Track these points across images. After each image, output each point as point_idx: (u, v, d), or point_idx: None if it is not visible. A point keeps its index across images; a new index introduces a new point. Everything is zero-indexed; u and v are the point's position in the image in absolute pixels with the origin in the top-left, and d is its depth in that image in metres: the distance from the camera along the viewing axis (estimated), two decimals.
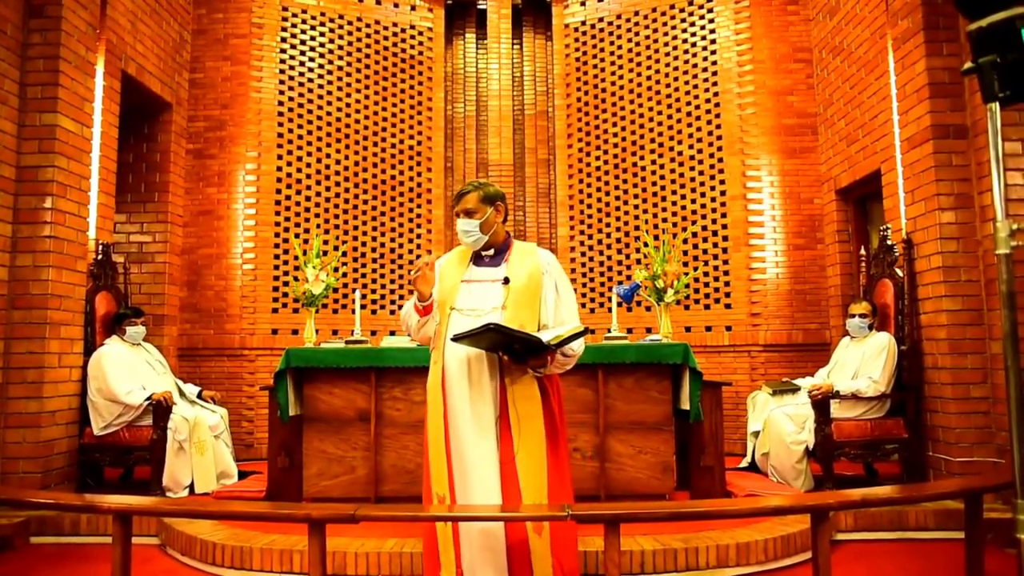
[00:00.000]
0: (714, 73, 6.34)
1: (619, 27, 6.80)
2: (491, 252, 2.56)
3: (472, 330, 2.26)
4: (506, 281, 2.46)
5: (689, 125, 6.42)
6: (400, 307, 6.64)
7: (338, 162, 6.57)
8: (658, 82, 6.59)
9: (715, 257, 6.21)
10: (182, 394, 4.67)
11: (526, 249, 2.58)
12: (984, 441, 4.01)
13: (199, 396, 4.77)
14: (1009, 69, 1.64)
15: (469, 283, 2.51)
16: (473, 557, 2.34)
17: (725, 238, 6.18)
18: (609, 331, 4.49)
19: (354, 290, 6.06)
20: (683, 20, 6.52)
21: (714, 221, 6.24)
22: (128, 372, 4.38)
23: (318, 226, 6.23)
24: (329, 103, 6.58)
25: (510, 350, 2.32)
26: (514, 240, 2.63)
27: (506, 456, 2.35)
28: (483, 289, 2.48)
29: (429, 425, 2.48)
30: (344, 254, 6.29)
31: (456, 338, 2.29)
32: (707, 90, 6.36)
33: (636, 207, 6.58)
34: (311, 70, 6.54)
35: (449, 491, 2.39)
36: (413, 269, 2.45)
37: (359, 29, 6.75)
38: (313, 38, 6.57)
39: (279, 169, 6.32)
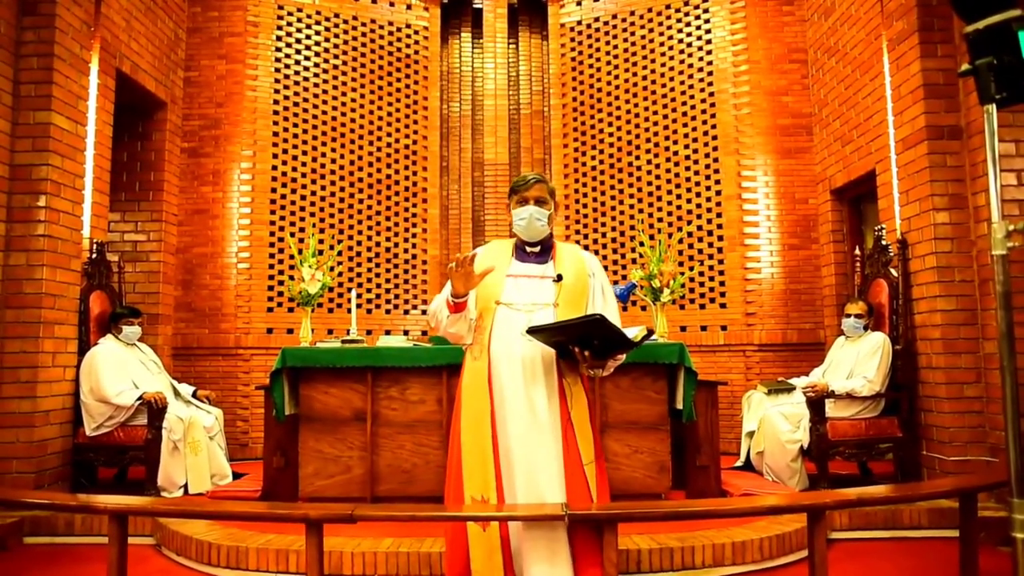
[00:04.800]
0: (710, 73, 6.35)
1: (615, 27, 6.81)
2: (537, 248, 2.47)
3: (568, 321, 2.19)
4: (559, 279, 2.39)
5: (685, 125, 6.43)
6: (396, 306, 6.64)
7: (334, 161, 6.56)
8: (654, 82, 6.60)
9: (710, 257, 6.22)
10: (177, 394, 4.66)
11: (571, 249, 2.53)
12: (978, 440, 4.04)
13: (194, 395, 4.75)
14: (1006, 71, 1.65)
15: (516, 278, 2.41)
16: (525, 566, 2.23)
17: (720, 238, 6.20)
18: None
19: (350, 289, 6.05)
20: (679, 20, 6.53)
21: (709, 221, 6.25)
22: (120, 372, 4.36)
23: (313, 225, 6.21)
24: (325, 102, 6.56)
25: (590, 347, 2.22)
26: (556, 240, 2.56)
27: (572, 462, 2.27)
28: (532, 285, 2.40)
29: (468, 424, 2.33)
30: (340, 253, 6.28)
31: (534, 330, 2.20)
32: (703, 90, 6.37)
33: (632, 207, 6.59)
34: (307, 69, 6.52)
35: (497, 494, 2.25)
36: (452, 262, 2.29)
37: (355, 28, 6.74)
38: (309, 37, 6.55)
39: (274, 168, 6.30)
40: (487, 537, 2.25)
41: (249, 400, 5.93)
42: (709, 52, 6.37)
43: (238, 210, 6.18)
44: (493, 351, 2.33)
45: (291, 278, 5.61)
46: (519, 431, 2.26)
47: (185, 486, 4.28)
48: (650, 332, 2.28)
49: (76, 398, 4.32)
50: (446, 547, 2.41)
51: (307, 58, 6.53)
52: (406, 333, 6.28)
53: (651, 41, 6.64)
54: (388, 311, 6.60)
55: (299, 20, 6.53)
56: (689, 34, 6.48)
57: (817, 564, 2.48)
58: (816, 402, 4.22)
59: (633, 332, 2.26)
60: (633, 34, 6.72)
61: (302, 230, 6.19)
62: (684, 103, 6.44)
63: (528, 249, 2.48)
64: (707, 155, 6.31)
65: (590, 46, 6.91)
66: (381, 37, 6.84)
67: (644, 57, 6.66)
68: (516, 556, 2.26)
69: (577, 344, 2.23)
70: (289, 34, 6.48)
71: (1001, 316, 1.70)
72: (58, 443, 4.20)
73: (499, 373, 2.32)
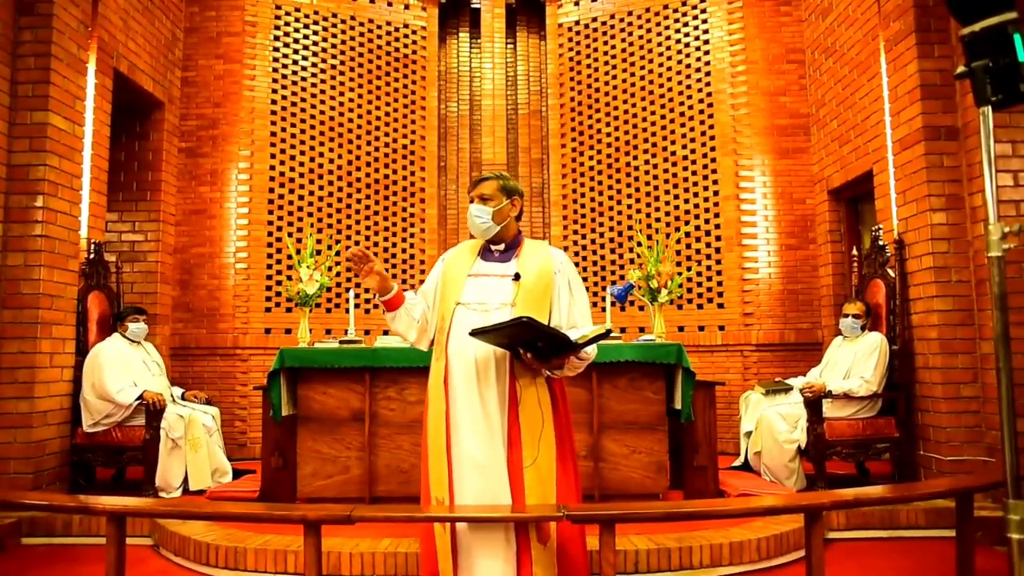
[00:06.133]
0: (707, 73, 6.36)
1: (612, 27, 6.81)
2: (501, 247, 2.44)
3: (499, 324, 2.14)
4: (516, 277, 2.35)
5: (682, 125, 6.44)
6: None
7: (331, 161, 6.56)
8: (651, 82, 6.61)
9: (708, 257, 6.23)
10: (174, 400, 4.66)
11: (538, 246, 2.48)
12: (974, 440, 4.05)
13: (182, 397, 4.74)
14: (1001, 73, 1.65)
15: (476, 277, 2.40)
16: (472, 565, 2.25)
17: (718, 238, 6.21)
18: None
19: (348, 289, 6.06)
20: (676, 20, 6.54)
21: (707, 221, 6.26)
22: (123, 370, 4.36)
23: (311, 225, 6.21)
24: (322, 102, 6.56)
25: (533, 348, 2.19)
26: (525, 238, 2.52)
27: (515, 464, 2.25)
28: (491, 284, 2.37)
29: (429, 425, 2.35)
30: (338, 253, 6.27)
31: (475, 332, 2.16)
32: (700, 90, 6.38)
33: (629, 207, 6.59)
34: (304, 69, 6.52)
35: (449, 496, 2.27)
36: (349, 261, 2.29)
37: (352, 28, 6.74)
38: (306, 36, 6.55)
39: (272, 168, 6.30)
40: (447, 537, 2.28)
41: (247, 400, 5.93)
42: (707, 52, 6.37)
43: (236, 210, 6.18)
44: (450, 352, 2.32)
45: (289, 278, 5.61)
46: (471, 431, 2.26)
47: (184, 485, 4.28)
48: (608, 331, 2.25)
49: (74, 398, 4.32)
50: (420, 548, 2.43)
51: (305, 58, 6.53)
52: None
53: (649, 41, 6.65)
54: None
55: (297, 20, 6.52)
56: (687, 34, 6.48)
57: (814, 564, 2.49)
58: (813, 402, 4.23)
59: (586, 331, 2.25)
60: (631, 34, 6.73)
61: (300, 230, 6.19)
62: (682, 103, 6.45)
63: (493, 248, 2.46)
64: (705, 155, 6.32)
65: (588, 46, 6.92)
66: (379, 37, 6.84)
67: (642, 57, 6.67)
68: (464, 554, 2.27)
69: (522, 345, 2.21)
70: (287, 34, 6.48)
71: (997, 317, 1.70)
72: (56, 443, 4.19)
73: (454, 374, 2.31)
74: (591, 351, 2.32)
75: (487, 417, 2.27)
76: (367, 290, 2.43)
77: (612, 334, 2.30)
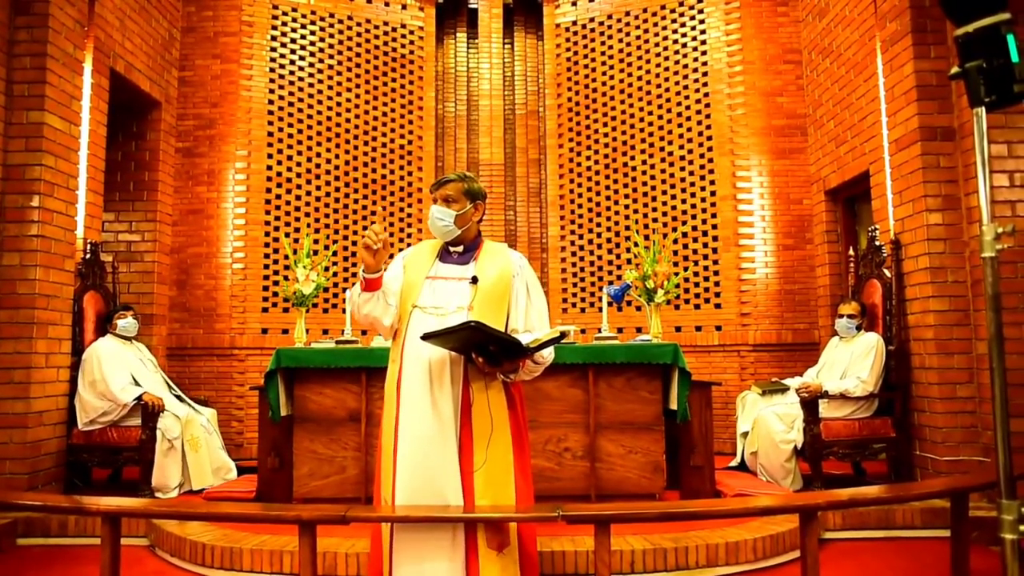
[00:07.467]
0: (704, 74, 6.36)
1: (610, 27, 6.82)
2: (460, 249, 2.42)
3: (448, 328, 2.13)
4: (474, 280, 2.33)
5: (680, 125, 6.44)
6: None
7: (328, 161, 6.55)
8: (649, 82, 6.61)
9: (705, 257, 6.24)
10: (179, 399, 4.66)
11: (497, 249, 2.45)
12: (970, 440, 4.05)
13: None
14: (995, 74, 1.66)
15: (434, 280, 2.37)
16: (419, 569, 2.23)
17: (715, 238, 6.21)
18: (599, 331, 4.50)
19: (344, 289, 6.05)
20: (674, 21, 6.55)
21: (704, 221, 6.27)
22: (121, 367, 4.37)
23: (308, 225, 6.21)
24: (320, 102, 6.56)
25: (485, 352, 2.18)
26: (485, 240, 2.50)
27: (466, 468, 2.23)
28: (449, 287, 2.35)
29: (382, 428, 2.34)
30: (335, 253, 6.28)
31: (426, 336, 2.14)
32: (697, 91, 6.38)
33: (627, 207, 6.60)
34: (301, 69, 6.51)
35: (391, 496, 2.25)
36: (366, 236, 2.23)
37: (350, 28, 6.73)
38: (304, 36, 6.55)
39: (269, 168, 6.29)
40: (392, 538, 2.27)
41: (244, 400, 5.92)
42: (704, 53, 6.38)
43: (233, 210, 6.17)
44: (405, 355, 2.30)
45: (286, 278, 5.61)
46: (420, 434, 2.24)
47: (181, 485, 4.28)
48: (562, 335, 2.23)
49: (70, 399, 4.32)
50: (370, 548, 2.42)
51: (302, 58, 6.52)
52: None
53: (646, 42, 6.65)
54: None
55: (294, 20, 6.52)
56: (684, 35, 6.49)
57: (809, 564, 2.50)
58: (810, 402, 4.23)
59: (538, 335, 2.23)
60: (628, 34, 6.73)
61: (297, 230, 6.19)
62: (679, 103, 6.45)
63: (451, 250, 2.43)
64: (702, 155, 6.32)
65: (585, 46, 6.92)
66: (376, 37, 6.83)
67: (639, 57, 6.67)
68: (409, 558, 2.25)
69: (474, 349, 2.19)
70: (284, 34, 6.47)
71: (990, 318, 1.71)
72: (52, 444, 4.19)
73: (408, 377, 2.29)
74: (547, 355, 2.31)
75: (440, 421, 2.23)
76: (358, 252, 2.34)
77: (565, 336, 2.27)
